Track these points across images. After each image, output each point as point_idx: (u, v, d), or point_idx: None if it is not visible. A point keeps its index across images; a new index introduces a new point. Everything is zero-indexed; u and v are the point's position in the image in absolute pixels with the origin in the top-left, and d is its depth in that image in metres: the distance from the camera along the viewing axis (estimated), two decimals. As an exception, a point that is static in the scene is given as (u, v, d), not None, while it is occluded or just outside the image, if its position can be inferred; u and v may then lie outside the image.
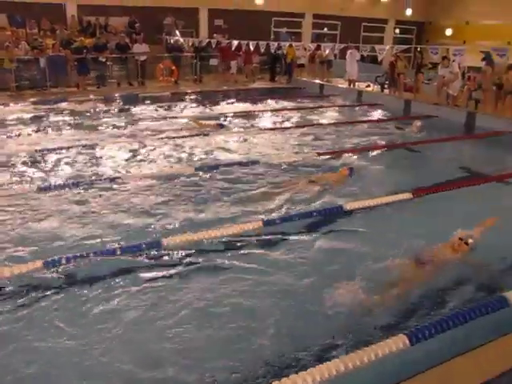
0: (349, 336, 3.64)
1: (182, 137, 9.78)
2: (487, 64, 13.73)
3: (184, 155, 8.57)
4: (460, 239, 4.82)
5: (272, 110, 13.55)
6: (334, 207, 6.04)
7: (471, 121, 12.38)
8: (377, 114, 13.73)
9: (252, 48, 16.45)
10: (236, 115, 12.62)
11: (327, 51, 17.71)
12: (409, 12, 26.10)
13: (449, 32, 25.87)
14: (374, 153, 9.18)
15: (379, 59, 14.23)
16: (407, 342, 3.32)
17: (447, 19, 25.91)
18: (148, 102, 14.15)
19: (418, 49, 16.56)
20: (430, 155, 9.34)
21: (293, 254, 4.92)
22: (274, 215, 5.81)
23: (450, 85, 13.91)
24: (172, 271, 4.51)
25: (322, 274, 4.48)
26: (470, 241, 4.81)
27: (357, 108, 14.36)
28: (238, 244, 5.09)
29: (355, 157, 8.81)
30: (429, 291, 4.32)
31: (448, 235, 4.99)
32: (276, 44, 17.27)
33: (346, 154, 8.88)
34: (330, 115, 13.06)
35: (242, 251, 4.96)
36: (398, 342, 3.30)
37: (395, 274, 4.50)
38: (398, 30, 27.46)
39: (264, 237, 5.26)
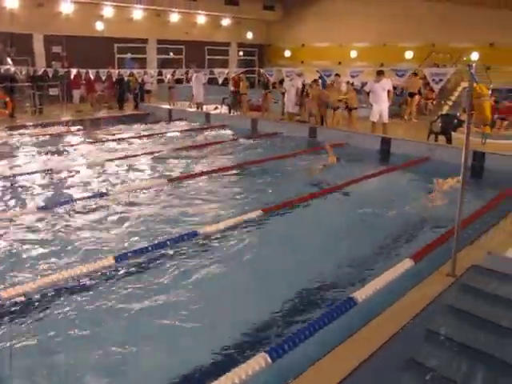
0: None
1: (26, 174, 9.03)
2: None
3: (25, 194, 7.90)
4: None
5: (120, 139, 13.14)
6: (188, 233, 5.93)
7: (313, 135, 13.21)
8: (225, 135, 14.00)
9: (92, 76, 15.82)
10: (80, 146, 12.05)
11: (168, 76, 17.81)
12: (249, 35, 27.45)
13: (288, 53, 27.66)
14: (225, 173, 9.32)
15: (219, 82, 14.63)
16: (268, 359, 3.34)
17: (285, 42, 27.73)
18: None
19: (262, 70, 17.39)
20: (278, 171, 9.68)
21: (147, 288, 4.76)
22: (126, 249, 5.54)
23: (288, 103, 14.85)
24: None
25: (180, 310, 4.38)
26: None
27: (205, 131, 14.52)
28: (88, 285, 4.77)
29: (207, 179, 8.88)
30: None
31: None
32: (117, 71, 16.88)
33: (198, 178, 8.90)
34: (179, 140, 13.04)
35: (91, 292, 4.65)
36: (259, 361, 3.30)
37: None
38: (241, 53, 28.62)
39: (117, 273, 5.02)
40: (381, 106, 12.18)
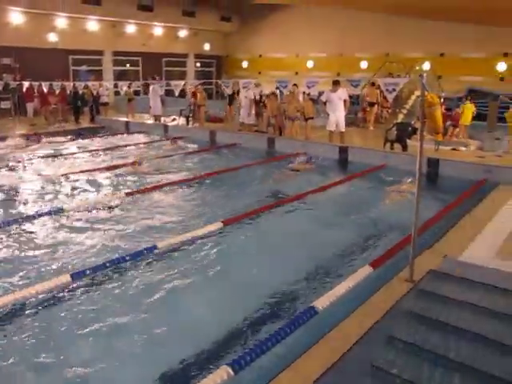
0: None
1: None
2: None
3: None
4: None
5: (75, 153, 12.83)
6: (147, 247, 5.80)
7: (271, 145, 13.25)
8: (183, 147, 13.86)
9: (46, 89, 15.41)
10: (34, 160, 11.69)
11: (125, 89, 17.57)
12: (207, 47, 27.47)
13: (245, 64, 27.81)
14: (184, 186, 9.22)
15: (176, 94, 14.51)
16: (231, 371, 3.30)
17: (242, 53, 27.89)
18: None
19: (219, 81, 17.37)
20: (237, 182, 9.66)
21: (106, 305, 4.63)
22: (83, 266, 5.36)
23: (242, 114, 14.92)
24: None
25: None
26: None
27: (164, 142, 14.35)
28: (43, 304, 4.59)
29: (166, 192, 8.76)
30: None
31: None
32: (72, 84, 16.52)
33: (157, 191, 8.77)
34: (136, 152, 12.83)
35: (46, 312, 4.48)
36: (221, 374, 3.27)
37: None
38: (199, 64, 28.59)
39: (74, 291, 4.86)
40: (337, 116, 12.35)
